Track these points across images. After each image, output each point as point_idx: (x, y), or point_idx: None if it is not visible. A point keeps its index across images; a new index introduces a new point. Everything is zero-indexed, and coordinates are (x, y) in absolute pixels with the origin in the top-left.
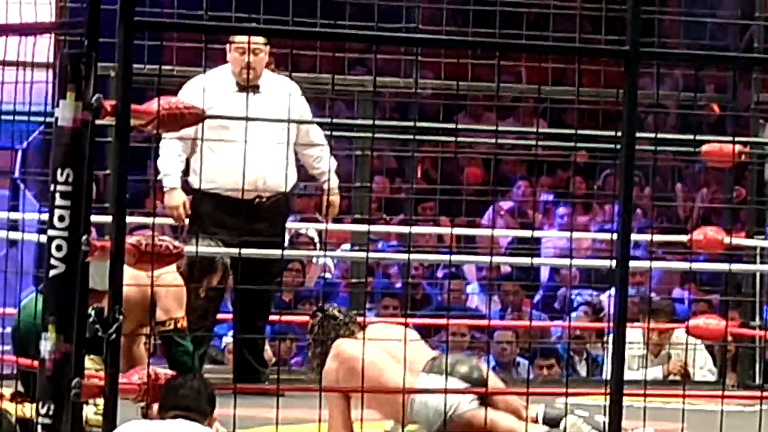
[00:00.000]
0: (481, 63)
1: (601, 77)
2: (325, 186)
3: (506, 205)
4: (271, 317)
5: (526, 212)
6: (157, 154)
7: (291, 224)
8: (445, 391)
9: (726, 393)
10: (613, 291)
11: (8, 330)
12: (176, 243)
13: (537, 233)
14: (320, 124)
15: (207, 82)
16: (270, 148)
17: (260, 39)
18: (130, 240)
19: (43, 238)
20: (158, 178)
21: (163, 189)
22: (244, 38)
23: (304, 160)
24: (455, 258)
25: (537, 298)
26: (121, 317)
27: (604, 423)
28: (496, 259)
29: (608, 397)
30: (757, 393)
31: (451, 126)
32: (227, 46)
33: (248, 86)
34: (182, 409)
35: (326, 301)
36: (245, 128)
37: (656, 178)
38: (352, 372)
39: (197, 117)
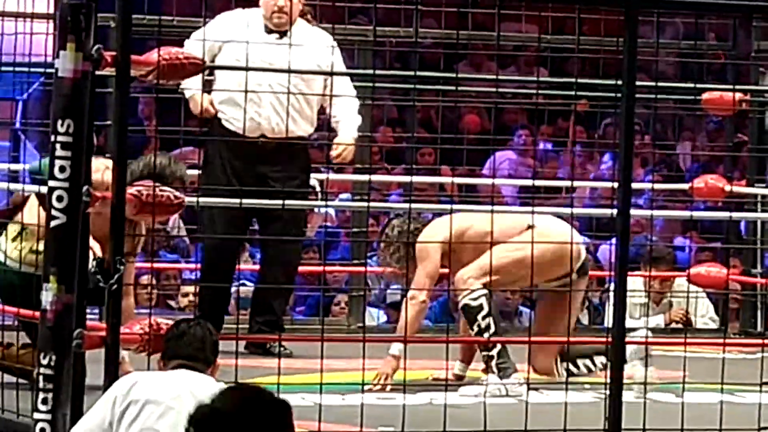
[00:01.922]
0: (482, 12)
1: (602, 26)
2: (339, 134)
3: (512, 156)
4: None
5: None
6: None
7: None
8: None
9: (727, 341)
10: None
11: None
12: (177, 193)
13: (537, 182)
14: (320, 74)
15: (237, 19)
16: (285, 95)
17: None
18: (130, 190)
19: (44, 189)
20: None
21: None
22: None
23: (330, 111)
24: (457, 207)
25: None
26: (123, 267)
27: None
28: (498, 207)
29: (610, 345)
30: (759, 341)
31: (452, 75)
32: None
33: (277, 31)
34: (185, 359)
35: (327, 251)
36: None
37: (657, 127)
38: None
39: (197, 67)
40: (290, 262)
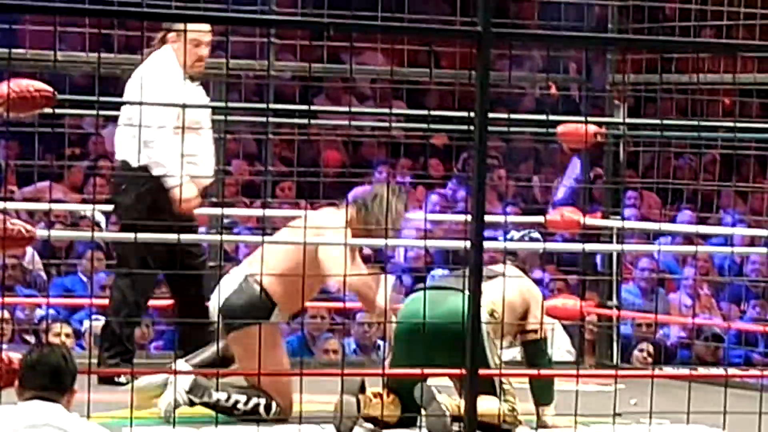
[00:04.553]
0: (336, 45)
1: (457, 59)
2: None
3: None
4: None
5: None
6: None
7: None
8: None
9: (582, 372)
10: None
11: None
12: (28, 227)
13: None
14: (173, 106)
15: (153, 71)
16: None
17: (207, 29)
18: None
19: None
20: (161, 173)
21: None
22: (199, 29)
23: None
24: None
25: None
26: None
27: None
28: (352, 241)
29: (465, 376)
30: (613, 372)
31: (305, 107)
32: (171, 34)
33: (195, 78)
34: (39, 389)
35: None
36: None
37: (514, 159)
38: None
39: (48, 100)
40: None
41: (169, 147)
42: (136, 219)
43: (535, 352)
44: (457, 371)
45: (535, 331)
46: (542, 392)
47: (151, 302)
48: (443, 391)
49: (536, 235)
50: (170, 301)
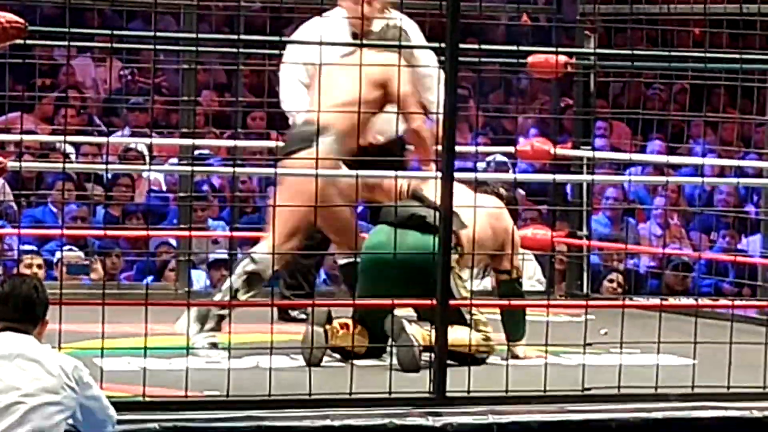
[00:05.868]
0: None
1: None
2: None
3: None
4: (98, 232)
5: None
6: None
7: (119, 139)
8: None
9: (552, 303)
10: None
11: None
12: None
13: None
14: (145, 38)
15: (323, 27)
16: None
17: None
18: None
19: None
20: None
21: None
22: None
23: None
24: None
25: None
26: None
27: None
28: (322, 171)
29: (435, 308)
30: (583, 302)
31: (275, 38)
32: None
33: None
34: (11, 321)
35: (154, 216)
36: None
37: (483, 89)
38: None
39: (20, 31)
40: None
41: (295, 99)
42: None
43: (507, 292)
44: (427, 302)
45: (509, 272)
46: (513, 328)
47: (122, 233)
48: (413, 322)
49: (501, 158)
50: (141, 233)
